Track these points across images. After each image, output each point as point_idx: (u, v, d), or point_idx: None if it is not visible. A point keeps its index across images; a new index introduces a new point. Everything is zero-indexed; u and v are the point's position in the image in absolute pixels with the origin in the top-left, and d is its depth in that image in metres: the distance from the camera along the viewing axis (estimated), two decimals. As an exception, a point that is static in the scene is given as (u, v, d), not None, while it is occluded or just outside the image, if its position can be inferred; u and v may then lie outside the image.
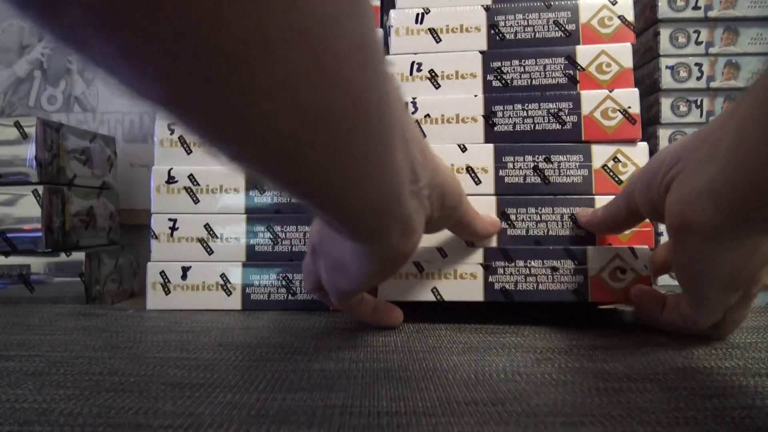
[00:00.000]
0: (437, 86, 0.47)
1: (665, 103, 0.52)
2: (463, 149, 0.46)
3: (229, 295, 0.48)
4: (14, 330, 0.40)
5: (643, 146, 0.45)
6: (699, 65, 0.52)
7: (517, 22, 0.48)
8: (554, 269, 0.40)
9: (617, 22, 0.47)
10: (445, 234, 0.42)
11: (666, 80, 0.52)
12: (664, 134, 0.52)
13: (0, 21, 0.72)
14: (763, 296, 0.51)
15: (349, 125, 0.21)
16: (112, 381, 0.28)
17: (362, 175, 0.24)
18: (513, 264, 0.40)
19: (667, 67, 0.52)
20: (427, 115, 0.47)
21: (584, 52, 0.47)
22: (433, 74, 0.48)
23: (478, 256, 0.41)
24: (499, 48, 0.48)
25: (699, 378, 0.29)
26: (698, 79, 0.52)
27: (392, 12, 0.49)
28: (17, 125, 0.51)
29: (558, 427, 0.22)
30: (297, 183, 0.22)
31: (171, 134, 0.49)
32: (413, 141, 0.29)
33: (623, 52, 0.46)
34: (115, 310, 0.49)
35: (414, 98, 0.47)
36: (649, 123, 0.54)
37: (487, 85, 0.47)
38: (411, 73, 0.48)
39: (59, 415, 0.24)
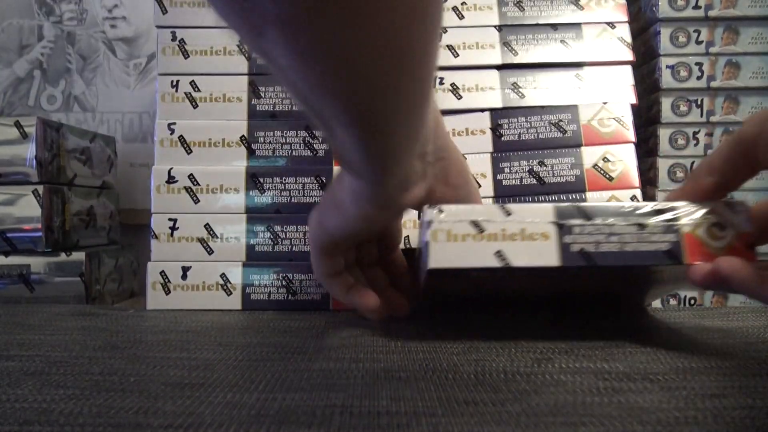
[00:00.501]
0: (459, 97, 0.50)
1: (665, 102, 0.52)
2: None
3: (229, 295, 0.48)
4: (14, 330, 0.40)
5: (630, 145, 0.49)
6: (699, 65, 0.52)
7: (527, 40, 0.51)
8: (641, 226, 0.33)
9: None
10: None
11: (666, 80, 0.52)
12: (664, 134, 0.52)
13: (0, 21, 0.72)
14: (764, 296, 0.51)
15: (422, 51, 0.24)
16: (112, 381, 0.28)
17: (412, 106, 0.27)
18: (591, 222, 0.34)
19: (667, 66, 0.52)
20: None
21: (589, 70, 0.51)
22: (455, 87, 0.50)
23: (549, 213, 0.34)
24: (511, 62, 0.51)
25: (699, 378, 0.29)
26: (698, 78, 0.52)
27: None
28: (17, 125, 0.51)
29: (558, 427, 0.22)
30: (367, 101, 0.25)
31: (171, 134, 0.49)
32: (435, 109, 0.32)
33: (624, 74, 0.51)
34: (115, 310, 0.49)
35: None
36: (649, 123, 0.54)
37: (505, 97, 0.51)
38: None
39: (59, 415, 0.24)
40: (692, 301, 0.51)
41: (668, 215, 0.34)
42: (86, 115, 0.71)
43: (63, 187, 0.53)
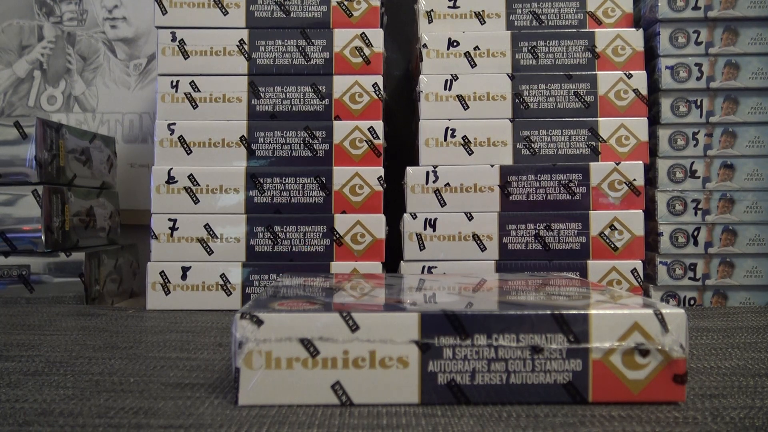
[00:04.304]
0: (470, 152, 0.50)
1: (665, 103, 0.52)
2: (470, 217, 0.49)
3: (229, 295, 0.48)
4: (14, 330, 0.40)
5: (639, 213, 0.49)
6: (699, 65, 0.52)
7: (539, 91, 0.51)
8: (536, 350, 0.26)
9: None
10: (357, 289, 0.33)
11: (666, 80, 0.52)
12: (663, 134, 0.52)
13: (0, 21, 0.72)
14: (763, 296, 0.51)
15: None
16: (112, 381, 0.28)
17: None
18: (469, 341, 0.26)
19: (667, 67, 0.52)
20: (447, 184, 0.49)
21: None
22: (466, 140, 0.50)
23: (412, 327, 0.26)
24: (523, 116, 0.51)
25: (699, 378, 0.29)
26: (698, 79, 0.52)
27: (422, 77, 0.51)
28: (17, 125, 0.51)
29: (558, 427, 0.22)
30: None
31: (171, 134, 0.49)
32: None
33: (639, 127, 0.51)
34: (115, 310, 0.49)
35: (435, 167, 0.49)
36: (649, 123, 0.54)
37: (516, 153, 0.50)
38: (445, 139, 0.50)
39: (59, 415, 0.24)
40: (692, 301, 0.51)
41: (575, 333, 0.26)
42: (86, 115, 0.71)
43: (63, 188, 0.53)
